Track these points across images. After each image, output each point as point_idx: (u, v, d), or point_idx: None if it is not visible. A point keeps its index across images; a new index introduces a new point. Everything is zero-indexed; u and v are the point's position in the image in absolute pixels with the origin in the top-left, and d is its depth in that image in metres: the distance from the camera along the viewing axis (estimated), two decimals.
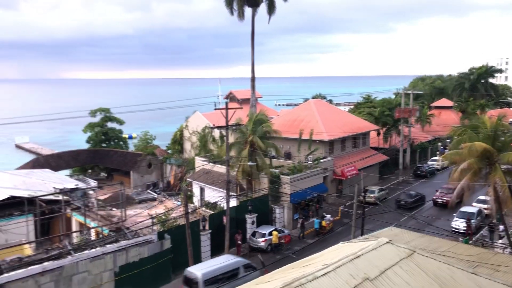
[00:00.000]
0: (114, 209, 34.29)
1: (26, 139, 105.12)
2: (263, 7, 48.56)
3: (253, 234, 33.48)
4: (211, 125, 51.59)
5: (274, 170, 37.61)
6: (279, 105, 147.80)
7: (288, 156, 44.99)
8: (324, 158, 42.96)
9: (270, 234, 32.91)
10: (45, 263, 22.37)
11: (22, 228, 28.17)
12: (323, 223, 36.32)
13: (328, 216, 37.58)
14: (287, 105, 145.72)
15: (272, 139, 39.27)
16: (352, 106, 71.43)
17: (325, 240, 32.51)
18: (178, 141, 58.61)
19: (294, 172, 37.57)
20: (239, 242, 32.36)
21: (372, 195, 42.82)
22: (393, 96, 74.56)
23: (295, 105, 76.65)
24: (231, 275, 24.49)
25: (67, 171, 53.89)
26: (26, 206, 28.61)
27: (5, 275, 21.28)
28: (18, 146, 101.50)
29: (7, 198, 29.10)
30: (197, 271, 24.05)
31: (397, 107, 57.67)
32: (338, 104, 74.40)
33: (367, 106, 61.85)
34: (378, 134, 58.20)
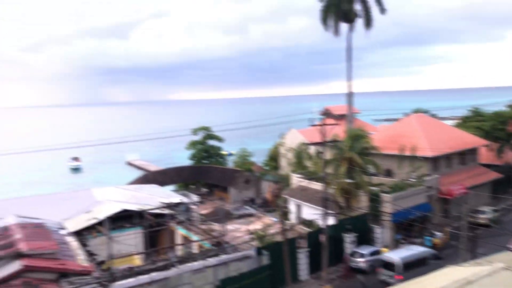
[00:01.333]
0: (214, 223, 35.50)
1: (136, 156, 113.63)
2: (359, 22, 47.78)
3: (352, 254, 32.47)
4: (307, 142, 51.55)
5: (373, 188, 36.29)
6: (378, 120, 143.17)
7: (388, 173, 43.20)
8: (428, 175, 40.53)
9: (372, 254, 31.70)
10: (153, 274, 23.74)
11: (132, 239, 30.34)
12: (435, 240, 34.18)
13: (438, 234, 35.39)
14: (386, 120, 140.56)
15: (371, 155, 38.04)
16: (458, 121, 66.86)
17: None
18: (274, 158, 59.31)
19: (396, 190, 35.92)
20: (348, 264, 31.64)
21: (483, 216, 39.38)
22: (506, 109, 68.40)
23: (395, 120, 73.59)
24: (421, 262, 28.67)
25: (172, 186, 57.08)
26: (136, 219, 30.81)
27: (118, 283, 22.95)
28: (129, 163, 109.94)
29: (120, 211, 31.55)
30: (395, 255, 28.84)
31: (511, 120, 52.78)
32: (443, 119, 70.00)
33: (476, 120, 57.40)
34: (490, 149, 53.62)
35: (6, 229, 28.54)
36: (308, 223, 35.05)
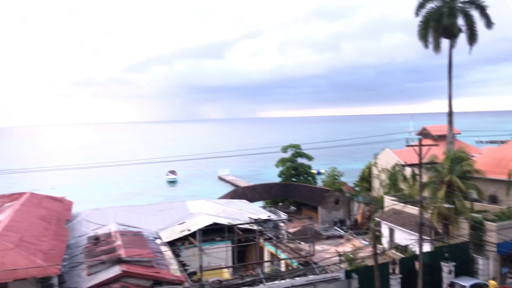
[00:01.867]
0: (302, 242, 35.03)
1: (227, 171, 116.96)
2: (461, 37, 45.05)
3: (451, 284, 30.07)
4: (402, 163, 49.24)
5: (476, 214, 33.49)
6: (481, 142, 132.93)
7: (493, 199, 39.66)
8: None
9: (473, 286, 29.11)
10: None
11: (222, 253, 30.92)
12: None
13: None
14: (492, 142, 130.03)
15: (473, 179, 35.26)
16: None
17: None
18: (366, 178, 57.44)
19: (502, 218, 32.80)
20: None
21: None
22: None
23: (502, 142, 67.79)
24: None
25: (261, 203, 57.64)
26: (226, 233, 31.42)
27: None
28: (220, 178, 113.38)
29: (211, 224, 32.42)
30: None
31: None
32: None
33: None
34: None
35: (109, 235, 30.68)
36: (401, 248, 33.23)
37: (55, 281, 23.84)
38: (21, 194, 37.07)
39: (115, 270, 24.81)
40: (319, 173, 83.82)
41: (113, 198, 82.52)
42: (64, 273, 25.03)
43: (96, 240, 30.48)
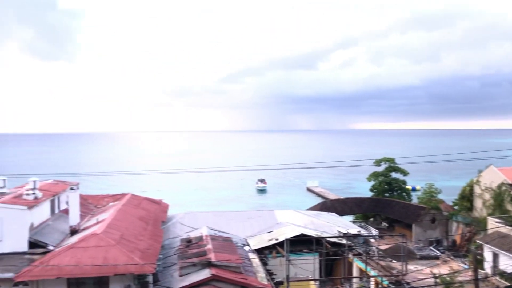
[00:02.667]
0: (394, 261, 33.43)
1: (316, 183, 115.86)
2: None
3: None
4: (510, 182, 45.03)
5: None
6: None
7: None
8: None
9: None
10: None
11: (309, 265, 30.52)
12: None
13: None
14: None
15: None
16: None
17: None
18: (467, 197, 53.30)
19: None
20: None
21: None
22: None
23: None
24: None
25: (350, 217, 56.12)
26: (314, 245, 30.98)
27: None
28: (309, 189, 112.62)
29: (299, 235, 32.20)
30: None
31: None
32: None
33: None
34: None
35: (200, 239, 31.80)
36: (507, 276, 30.26)
37: (150, 279, 25.18)
38: (123, 195, 39.91)
39: (205, 273, 25.57)
40: (414, 189, 79.69)
41: (205, 203, 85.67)
42: (158, 272, 26.36)
43: (188, 242, 31.75)
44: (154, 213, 36.54)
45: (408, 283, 26.45)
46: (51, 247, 25.12)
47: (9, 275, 21.83)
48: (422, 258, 39.69)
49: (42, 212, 28.33)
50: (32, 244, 25.21)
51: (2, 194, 28.72)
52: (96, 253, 23.06)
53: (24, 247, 24.86)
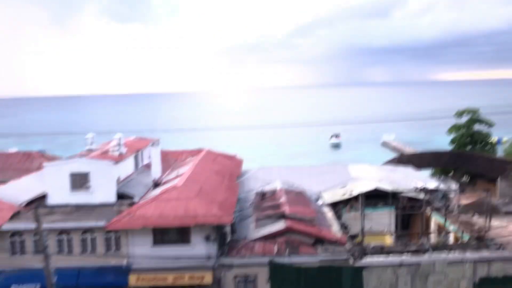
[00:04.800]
0: (476, 216, 32.06)
1: (391, 137, 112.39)
2: None
3: None
4: None
5: None
6: None
7: None
8: None
9: None
10: (403, 257, 23.17)
11: (384, 219, 30.21)
12: None
13: None
14: None
15: None
16: None
17: None
18: None
19: None
20: None
21: None
22: None
23: None
24: None
25: (428, 171, 54.15)
26: (389, 200, 30.50)
27: (368, 258, 23.30)
28: (384, 144, 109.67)
29: (373, 190, 31.78)
30: None
31: None
32: None
33: None
34: None
35: (274, 192, 32.51)
36: None
37: (228, 229, 26.41)
38: (200, 150, 41.52)
39: (280, 225, 26.30)
40: (500, 142, 74.71)
41: (278, 158, 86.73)
42: (235, 223, 27.52)
43: (263, 196, 32.63)
44: (229, 168, 37.75)
45: (491, 239, 25.39)
46: (136, 199, 27.05)
47: (102, 223, 23.94)
48: (508, 213, 37.63)
49: (127, 167, 30.38)
50: (120, 196, 27.30)
51: (91, 150, 31.07)
52: (177, 205, 24.48)
53: (112, 198, 27.00)
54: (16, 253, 24.50)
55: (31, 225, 22.59)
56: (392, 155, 76.32)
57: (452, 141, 57.39)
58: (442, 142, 71.08)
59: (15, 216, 25.04)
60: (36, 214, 14.59)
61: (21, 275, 23.79)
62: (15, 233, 24.40)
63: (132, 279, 23.86)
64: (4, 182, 30.80)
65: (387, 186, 33.10)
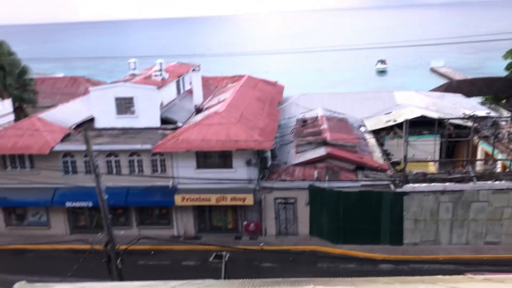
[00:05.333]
0: None
1: (441, 63, 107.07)
2: None
3: None
4: None
5: None
6: None
7: None
8: None
9: None
10: (447, 184, 22.88)
11: (429, 146, 29.55)
12: None
13: None
14: None
15: None
16: None
17: None
18: None
19: None
20: None
21: None
22: None
23: None
24: None
25: (479, 99, 51.81)
26: (435, 127, 29.59)
27: (411, 185, 23.16)
28: (433, 70, 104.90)
29: (419, 117, 30.84)
30: None
31: None
32: None
33: None
34: None
35: (315, 119, 32.24)
36: None
37: (268, 154, 26.74)
38: (241, 76, 41.19)
39: (321, 151, 26.34)
40: None
41: (320, 85, 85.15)
42: (276, 148, 27.78)
43: (304, 122, 32.48)
44: (270, 94, 37.47)
45: None
46: (179, 124, 27.59)
47: (148, 146, 24.77)
48: None
49: (170, 92, 30.73)
50: (163, 121, 27.91)
51: (134, 75, 31.47)
52: (219, 130, 24.82)
53: (156, 123, 27.67)
54: (69, 172, 26.02)
55: (81, 147, 23.75)
56: (441, 81, 73.19)
57: (508, 67, 54.04)
58: (496, 68, 67.10)
59: (66, 138, 26.29)
60: (85, 136, 15.15)
61: (74, 192, 25.43)
62: (66, 154, 25.76)
63: (178, 199, 25.01)
64: (53, 106, 32.07)
65: (433, 114, 32.04)
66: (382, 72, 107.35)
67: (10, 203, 26.49)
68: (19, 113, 34.28)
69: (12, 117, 30.59)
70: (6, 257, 25.28)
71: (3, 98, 30.90)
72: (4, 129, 26.40)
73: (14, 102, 32.60)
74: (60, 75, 50.88)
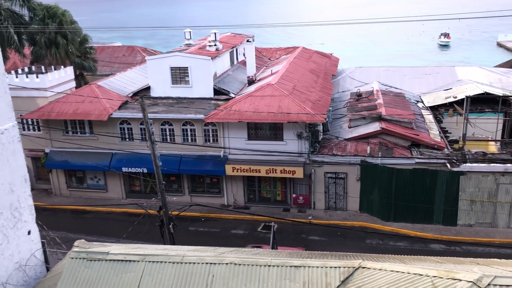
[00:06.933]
0: None
1: (509, 37, 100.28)
2: None
3: None
4: None
5: None
6: None
7: None
8: None
9: None
10: (508, 165, 21.71)
11: (491, 125, 28.00)
12: None
13: None
14: None
15: None
16: None
17: None
18: None
19: None
20: None
21: None
22: None
23: None
24: None
25: None
26: (499, 105, 27.95)
27: (468, 164, 22.18)
28: (500, 44, 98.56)
29: (481, 94, 29.21)
30: None
31: None
32: None
33: None
34: None
35: (371, 93, 31.35)
36: None
37: (320, 128, 26.42)
38: (295, 48, 40.59)
39: (375, 127, 25.70)
40: None
41: (379, 58, 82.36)
42: (328, 122, 27.38)
43: (358, 96, 31.68)
44: (325, 67, 36.72)
45: None
46: (232, 95, 27.74)
47: (201, 116, 25.17)
48: None
49: (223, 63, 30.83)
50: (216, 92, 28.15)
51: (189, 45, 31.77)
52: (271, 102, 24.74)
53: (210, 93, 27.97)
54: (125, 139, 27.01)
55: (138, 114, 24.50)
56: (509, 57, 68.68)
57: None
58: None
59: (123, 105, 27.19)
60: (141, 104, 15.57)
61: (130, 158, 26.42)
62: (123, 121, 26.69)
63: (228, 168, 25.40)
64: (112, 75, 33.14)
65: (497, 90, 30.24)
66: (444, 46, 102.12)
67: (71, 166, 27.96)
68: (80, 80, 35.71)
69: (73, 84, 31.90)
70: (67, 216, 26.96)
71: (65, 65, 32.24)
72: (65, 96, 27.66)
73: (75, 70, 33.97)
74: (118, 44, 52.37)
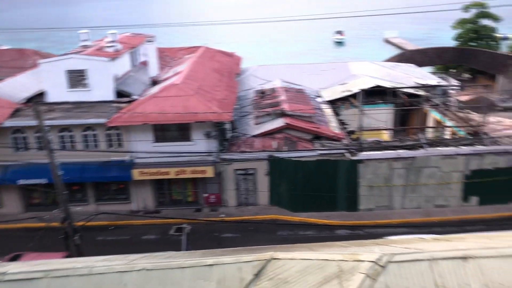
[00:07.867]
0: (473, 112, 32.27)
1: (394, 33, 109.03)
2: None
3: None
4: None
5: None
6: None
7: None
8: None
9: None
10: (400, 151, 23.75)
11: (383, 115, 30.44)
12: None
13: None
14: None
15: None
16: None
17: None
18: None
19: None
20: None
21: None
22: None
23: None
24: None
25: (430, 68, 53.47)
26: (389, 96, 30.46)
27: (365, 153, 23.86)
28: (387, 40, 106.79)
29: (373, 87, 31.58)
30: None
31: None
32: None
33: None
34: None
35: (273, 90, 32.34)
36: None
37: (227, 126, 26.71)
38: (197, 47, 40.46)
39: (279, 122, 26.57)
40: (506, 38, 72.70)
41: (277, 56, 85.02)
42: (235, 120, 27.75)
43: (262, 94, 32.52)
44: (228, 66, 37.12)
45: (486, 133, 25.82)
46: (135, 97, 26.94)
47: (103, 120, 24.10)
48: (506, 109, 37.85)
49: (124, 64, 29.78)
50: (118, 94, 27.16)
51: (86, 47, 30.24)
52: (176, 102, 24.46)
53: (110, 96, 26.89)
54: (20, 149, 25.02)
55: (32, 122, 22.79)
56: (395, 52, 74.77)
57: (457, 37, 55.89)
58: (446, 38, 69.17)
59: (16, 113, 25.15)
60: (36, 110, 14.55)
61: (27, 170, 24.55)
62: (17, 130, 24.71)
63: (136, 173, 24.68)
64: (0, 80, 30.47)
65: (387, 83, 32.87)
66: (339, 43, 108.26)
67: None
68: None
69: None
70: None
71: None
72: None
73: None
74: (5, 47, 48.12)
